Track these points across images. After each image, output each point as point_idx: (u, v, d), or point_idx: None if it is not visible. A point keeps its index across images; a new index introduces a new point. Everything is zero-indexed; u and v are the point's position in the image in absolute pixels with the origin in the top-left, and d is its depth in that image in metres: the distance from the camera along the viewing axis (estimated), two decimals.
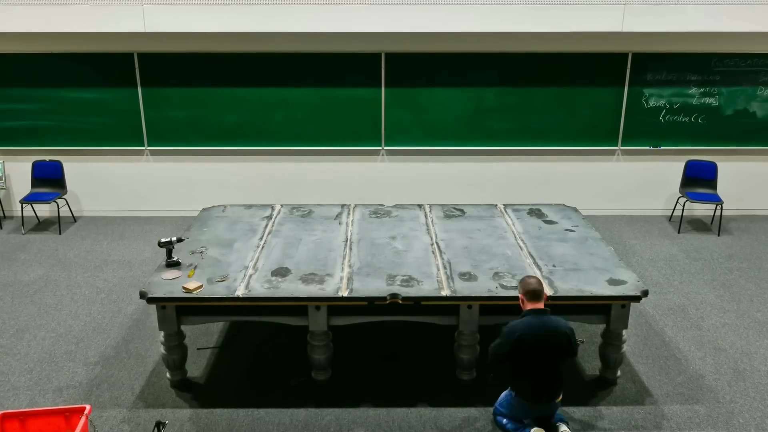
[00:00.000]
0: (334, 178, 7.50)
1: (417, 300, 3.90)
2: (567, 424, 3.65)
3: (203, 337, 4.83)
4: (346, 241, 4.74)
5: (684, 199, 7.22)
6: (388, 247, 4.60)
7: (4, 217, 7.51)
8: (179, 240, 4.39)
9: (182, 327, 4.67)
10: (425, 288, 3.99)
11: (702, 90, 7.18)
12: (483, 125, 7.29)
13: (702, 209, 7.64)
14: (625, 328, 4.04)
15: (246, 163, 7.46)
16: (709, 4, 6.47)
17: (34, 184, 7.23)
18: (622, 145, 7.39)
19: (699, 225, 7.33)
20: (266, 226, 5.06)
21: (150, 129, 7.27)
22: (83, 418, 3.42)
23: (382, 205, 5.53)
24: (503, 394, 3.76)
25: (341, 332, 4.88)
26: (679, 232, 7.07)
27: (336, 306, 4.00)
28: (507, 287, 3.98)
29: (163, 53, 7.01)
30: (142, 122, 7.24)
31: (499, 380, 4.26)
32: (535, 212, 5.38)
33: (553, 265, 4.30)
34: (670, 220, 7.49)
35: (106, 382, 4.27)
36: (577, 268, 4.26)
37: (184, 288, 3.93)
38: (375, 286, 4.00)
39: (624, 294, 3.91)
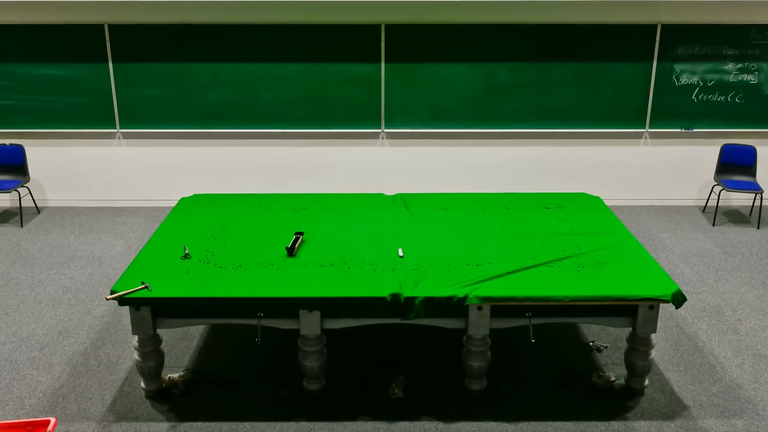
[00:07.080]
0: (329, 164, 7.47)
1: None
2: None
3: (182, 342, 4.81)
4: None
5: (719, 188, 7.19)
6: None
7: None
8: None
9: (158, 330, 4.65)
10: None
11: (740, 66, 7.14)
12: (494, 105, 7.26)
13: (740, 199, 7.61)
14: (654, 332, 4.03)
15: (230, 148, 7.43)
16: None
17: None
18: (650, 128, 7.35)
19: (736, 216, 7.31)
20: None
21: (122, 109, 7.23)
22: None
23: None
24: None
25: (336, 336, 4.86)
26: (714, 225, 7.05)
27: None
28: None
29: (138, 24, 6.96)
30: (114, 102, 7.21)
31: (513, 390, 4.24)
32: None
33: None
34: (703, 211, 7.46)
35: (74, 393, 4.25)
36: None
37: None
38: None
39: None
